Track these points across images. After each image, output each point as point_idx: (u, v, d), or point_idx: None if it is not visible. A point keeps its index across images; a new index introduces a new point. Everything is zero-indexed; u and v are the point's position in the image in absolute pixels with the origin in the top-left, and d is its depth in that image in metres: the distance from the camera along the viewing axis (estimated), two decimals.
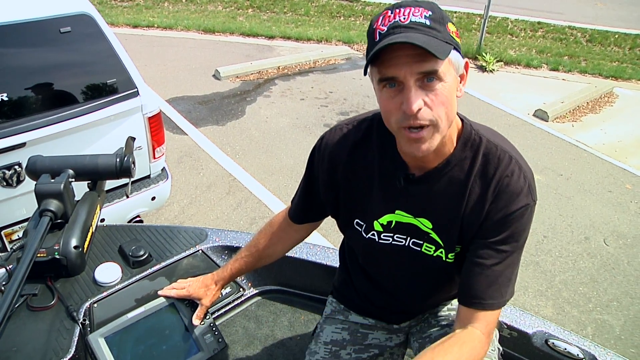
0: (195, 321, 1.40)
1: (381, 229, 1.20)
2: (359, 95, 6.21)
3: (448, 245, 1.16)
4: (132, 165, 1.59)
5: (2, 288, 1.32)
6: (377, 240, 1.22)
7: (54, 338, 1.27)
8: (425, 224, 1.16)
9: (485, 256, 1.08)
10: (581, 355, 1.41)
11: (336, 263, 1.64)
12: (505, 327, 1.51)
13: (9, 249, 2.59)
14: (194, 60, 7.05)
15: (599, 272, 3.64)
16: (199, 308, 1.42)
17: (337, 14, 10.19)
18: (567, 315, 3.25)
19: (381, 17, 0.97)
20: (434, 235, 1.16)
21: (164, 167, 3.13)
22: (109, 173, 1.56)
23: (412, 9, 0.95)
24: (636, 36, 9.70)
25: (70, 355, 1.23)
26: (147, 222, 3.31)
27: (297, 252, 1.71)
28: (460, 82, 1.02)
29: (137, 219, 3.01)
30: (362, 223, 1.23)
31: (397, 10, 0.95)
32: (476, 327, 1.09)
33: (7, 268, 1.37)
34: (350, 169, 1.20)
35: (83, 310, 1.37)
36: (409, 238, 1.19)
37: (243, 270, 1.48)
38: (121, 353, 1.28)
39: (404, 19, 0.94)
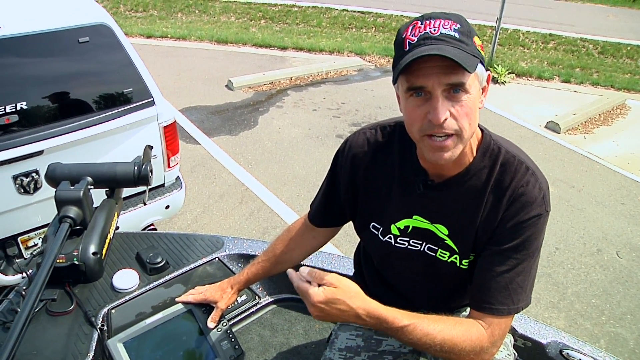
0: (210, 324, 1.41)
1: (398, 233, 1.23)
2: (371, 106, 6.24)
3: (463, 252, 1.17)
4: (150, 173, 1.61)
5: (23, 292, 1.35)
6: (393, 243, 1.24)
7: (73, 342, 1.29)
8: (441, 230, 1.18)
9: (496, 262, 1.10)
10: None
11: (350, 272, 1.65)
12: (519, 336, 1.51)
13: (25, 256, 2.63)
14: (207, 71, 7.11)
15: (611, 285, 3.61)
16: (214, 311, 1.44)
17: (349, 26, 10.25)
18: (579, 327, 3.22)
19: (410, 27, 1.00)
20: (449, 242, 1.18)
21: (178, 176, 3.16)
22: (127, 181, 1.59)
23: (442, 21, 0.98)
24: None
25: (89, 359, 1.25)
26: (161, 230, 3.34)
27: (311, 260, 1.72)
28: (482, 94, 1.05)
29: (151, 227, 3.03)
30: (379, 226, 1.25)
31: (427, 22, 0.99)
32: (481, 324, 1.10)
33: (28, 273, 1.39)
34: (371, 172, 1.24)
35: (101, 316, 1.39)
36: (424, 243, 1.21)
37: (260, 276, 1.50)
38: (139, 358, 1.30)
39: (434, 30, 0.97)
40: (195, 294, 1.48)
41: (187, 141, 5.09)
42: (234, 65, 7.38)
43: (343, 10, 11.10)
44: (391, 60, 8.27)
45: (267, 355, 1.63)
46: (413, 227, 1.20)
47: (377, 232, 1.26)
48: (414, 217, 1.19)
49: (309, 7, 11.10)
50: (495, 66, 7.67)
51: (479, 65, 1.00)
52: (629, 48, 9.73)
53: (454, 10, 1.10)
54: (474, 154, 1.12)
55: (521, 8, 11.92)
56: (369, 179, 1.24)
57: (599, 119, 6.63)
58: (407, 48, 0.99)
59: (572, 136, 6.07)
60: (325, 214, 1.40)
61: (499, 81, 7.47)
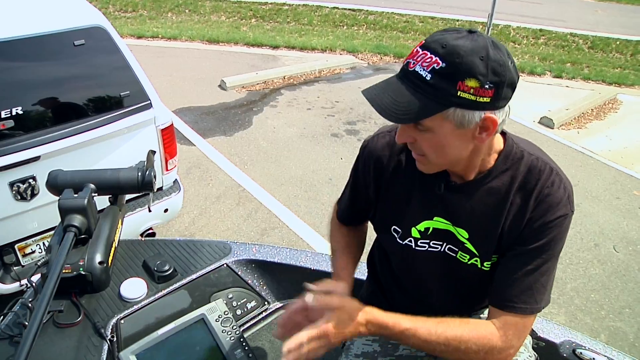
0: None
1: (418, 236, 1.22)
2: (365, 104, 6.09)
3: (483, 255, 1.17)
4: (154, 178, 1.58)
5: (29, 305, 1.32)
6: (413, 246, 1.24)
7: (83, 355, 1.26)
8: (461, 234, 1.17)
9: (521, 263, 1.10)
10: None
11: (359, 275, 1.63)
12: (533, 336, 1.50)
13: (22, 263, 2.59)
14: (199, 71, 7.07)
15: (610, 279, 3.63)
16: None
17: (340, 23, 10.24)
18: (579, 322, 3.23)
19: (418, 46, 1.00)
20: (468, 245, 1.17)
21: (176, 179, 3.13)
22: (130, 187, 1.55)
23: (427, 55, 0.96)
24: (637, 42, 9.76)
25: None
26: (159, 234, 3.31)
27: (320, 264, 1.71)
28: (481, 133, 1.01)
29: (150, 231, 3.00)
30: (399, 229, 1.25)
31: (419, 50, 0.98)
32: (494, 322, 1.10)
33: (33, 284, 1.36)
34: (394, 176, 1.24)
35: (110, 327, 1.36)
36: (444, 244, 1.21)
37: (355, 262, 1.43)
38: None
39: (413, 64, 0.98)
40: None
41: (181, 142, 5.04)
42: (226, 65, 7.34)
43: (334, 7, 11.09)
44: (383, 57, 8.24)
45: None
46: (434, 228, 1.20)
47: (396, 235, 1.26)
48: (435, 218, 1.19)
49: (299, 5, 11.08)
50: None
51: (458, 109, 0.96)
52: (618, 42, 9.80)
53: (445, 6, 1.09)
54: (496, 159, 1.12)
55: (511, 4, 11.96)
56: (392, 182, 1.24)
57: (592, 113, 6.67)
58: (402, 64, 1.03)
59: (565, 131, 6.11)
60: (354, 214, 1.44)
61: None
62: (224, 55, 7.86)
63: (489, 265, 1.18)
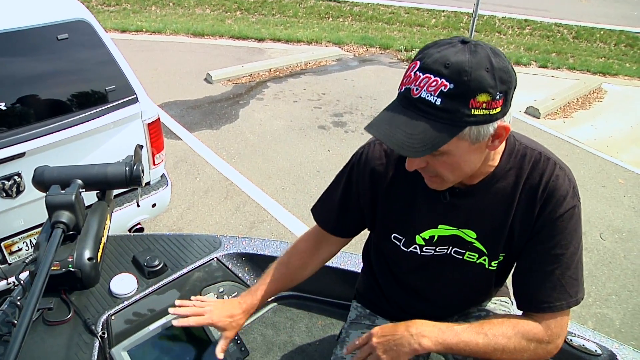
0: (220, 355, 1.28)
1: (423, 243, 1.21)
2: (351, 96, 6.21)
3: (492, 253, 1.17)
4: (142, 173, 1.57)
5: (18, 303, 1.30)
6: (419, 253, 1.23)
7: (74, 352, 1.25)
8: (469, 235, 1.16)
9: (544, 262, 1.09)
10: (599, 351, 1.42)
11: (353, 267, 1.64)
12: None
13: (9, 261, 2.55)
14: (184, 64, 7.01)
15: (596, 267, 3.67)
16: (222, 340, 1.29)
17: (325, 15, 10.20)
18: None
19: (412, 66, 0.94)
20: (477, 244, 1.17)
21: (163, 174, 3.11)
22: (118, 182, 1.54)
23: (431, 79, 0.90)
24: (621, 32, 9.83)
25: None
26: (147, 229, 3.28)
27: None
28: (494, 141, 1.00)
29: (138, 226, 2.98)
30: (401, 237, 1.23)
31: (419, 74, 0.92)
32: (535, 318, 1.10)
33: (22, 282, 1.34)
34: (393, 184, 1.20)
35: (101, 323, 1.35)
36: (451, 247, 1.20)
37: (273, 294, 1.40)
38: None
39: (417, 90, 0.91)
40: (200, 318, 1.29)
41: (168, 137, 5.00)
42: (211, 58, 7.28)
43: None
44: (369, 49, 8.21)
45: (272, 354, 1.61)
46: (439, 236, 1.19)
47: (399, 243, 1.24)
48: (440, 226, 1.18)
49: None
50: None
51: (470, 128, 0.93)
52: (602, 32, 9.88)
53: None
54: (500, 158, 1.10)
55: None
56: (391, 191, 1.21)
57: (577, 103, 6.72)
58: (397, 95, 0.97)
59: (552, 121, 6.15)
60: (343, 223, 1.35)
61: None
62: (209, 48, 7.79)
63: (496, 265, 1.18)
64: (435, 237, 1.19)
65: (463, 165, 1.01)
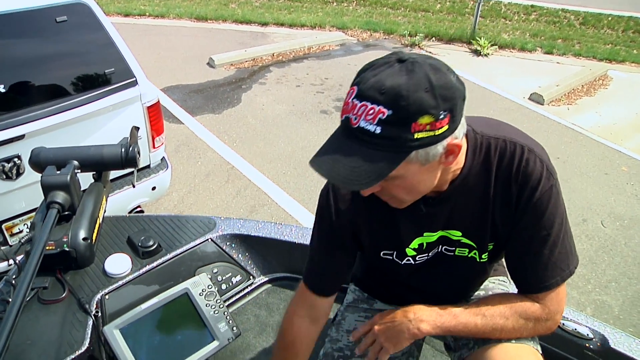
0: None
1: (415, 253, 1.21)
2: None
3: (480, 246, 1.17)
4: (138, 154, 1.57)
5: (13, 282, 1.32)
6: (414, 263, 1.23)
7: (68, 331, 1.27)
8: (454, 234, 1.16)
9: (531, 246, 1.08)
10: (591, 335, 1.42)
11: None
12: None
13: (10, 243, 2.58)
14: (187, 49, 6.98)
15: (597, 254, 3.67)
16: None
17: (329, 0, 10.11)
18: (566, 296, 3.27)
19: (350, 92, 0.90)
20: (465, 240, 1.17)
21: (163, 157, 3.12)
22: (114, 163, 1.54)
23: (368, 107, 0.85)
24: (629, 18, 9.69)
25: (85, 347, 1.23)
26: (148, 212, 3.30)
27: (305, 238, 1.71)
28: (447, 157, 0.96)
29: (138, 209, 2.99)
30: (391, 252, 1.22)
31: (356, 102, 0.87)
32: (532, 297, 1.11)
33: (17, 261, 1.36)
34: (368, 208, 1.17)
35: (95, 302, 1.36)
36: (440, 246, 1.20)
37: None
38: (137, 344, 1.28)
39: (355, 120, 0.87)
40: None
41: (170, 121, 5.01)
42: (214, 43, 7.25)
43: None
44: (373, 34, 8.15)
45: (264, 335, 1.62)
46: (427, 242, 1.19)
47: (391, 258, 1.23)
48: (425, 234, 1.17)
49: None
50: (478, 38, 7.65)
51: (417, 152, 0.89)
52: (609, 19, 9.75)
53: None
54: (465, 158, 1.07)
55: None
56: (370, 217, 1.19)
57: (582, 89, 6.66)
58: (340, 124, 0.93)
59: (556, 107, 6.11)
60: (333, 277, 1.29)
61: (481, 53, 7.46)
62: (213, 32, 7.76)
63: (487, 257, 1.19)
64: (425, 244, 1.19)
65: (417, 185, 0.99)
